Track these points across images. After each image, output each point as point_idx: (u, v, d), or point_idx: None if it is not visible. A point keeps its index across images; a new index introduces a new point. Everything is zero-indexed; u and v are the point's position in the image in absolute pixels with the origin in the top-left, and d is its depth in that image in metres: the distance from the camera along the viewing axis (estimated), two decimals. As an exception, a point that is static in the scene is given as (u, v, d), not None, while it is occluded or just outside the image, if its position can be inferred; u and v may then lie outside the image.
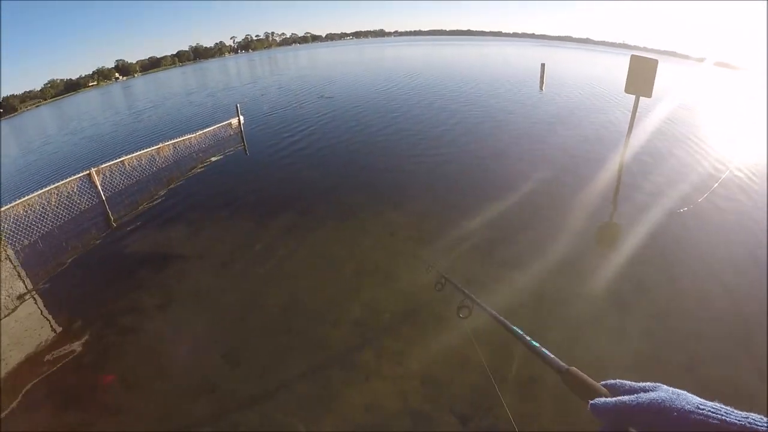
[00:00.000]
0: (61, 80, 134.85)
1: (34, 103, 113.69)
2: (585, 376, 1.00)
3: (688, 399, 0.67)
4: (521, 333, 1.49)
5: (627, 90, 11.04)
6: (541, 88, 26.05)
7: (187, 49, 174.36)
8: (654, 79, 10.39)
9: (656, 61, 10.42)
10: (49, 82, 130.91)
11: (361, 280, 7.19)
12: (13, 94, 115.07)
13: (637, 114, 11.30)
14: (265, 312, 6.74)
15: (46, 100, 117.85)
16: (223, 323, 6.63)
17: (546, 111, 19.50)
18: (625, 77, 11.04)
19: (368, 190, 11.07)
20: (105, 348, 6.47)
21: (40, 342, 6.81)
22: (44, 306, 7.98)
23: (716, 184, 10.11)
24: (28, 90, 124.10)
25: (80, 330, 6.95)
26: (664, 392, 0.71)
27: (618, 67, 32.09)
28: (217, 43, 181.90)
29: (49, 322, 7.45)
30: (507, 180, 10.99)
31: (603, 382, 0.89)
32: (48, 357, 6.39)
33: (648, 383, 0.77)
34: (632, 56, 11.00)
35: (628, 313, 5.97)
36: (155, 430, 4.90)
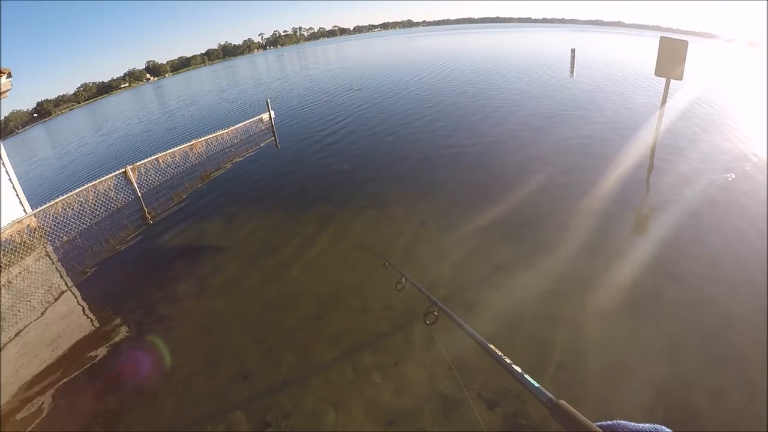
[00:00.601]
0: (94, 83, 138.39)
1: (68, 106, 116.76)
2: (575, 411, 0.93)
3: None
4: (499, 353, 1.38)
5: (657, 73, 10.57)
6: (571, 74, 25.49)
7: (216, 47, 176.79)
8: (684, 60, 9.92)
9: (686, 42, 9.94)
10: (82, 85, 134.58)
11: (390, 270, 7.09)
12: (47, 99, 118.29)
13: (668, 96, 10.85)
14: (298, 300, 6.74)
15: (79, 103, 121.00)
16: (257, 311, 6.66)
17: (576, 96, 19.03)
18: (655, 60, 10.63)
19: (400, 182, 10.94)
20: (144, 335, 6.60)
21: (80, 332, 6.95)
22: (83, 298, 8.13)
23: (748, 166, 9.73)
24: (62, 94, 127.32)
25: (119, 320, 7.08)
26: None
27: (649, 50, 31.40)
28: (245, 41, 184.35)
29: (88, 314, 7.61)
30: (534, 167, 10.71)
31: (599, 423, 0.82)
32: (88, 346, 6.53)
33: (647, 425, 0.72)
34: (661, 38, 10.52)
35: (658, 307, 5.69)
36: (190, 415, 4.96)
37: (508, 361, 1.28)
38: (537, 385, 1.12)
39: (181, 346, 6.21)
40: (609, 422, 0.79)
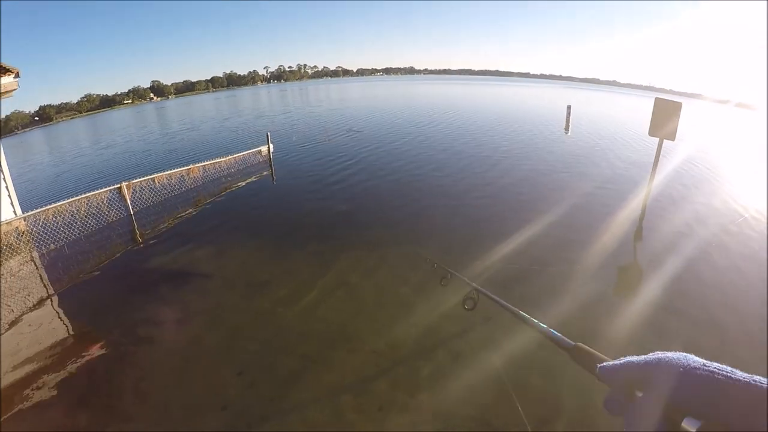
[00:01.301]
0: (98, 95, 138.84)
1: (69, 114, 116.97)
2: (592, 349, 1.02)
3: (694, 359, 0.68)
4: (527, 316, 1.52)
5: (651, 133, 10.90)
6: (566, 130, 26.22)
7: (221, 75, 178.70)
8: (678, 122, 10.26)
9: (680, 104, 10.30)
10: (86, 96, 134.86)
11: (380, 311, 7.14)
12: (50, 104, 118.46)
13: (660, 156, 11.17)
14: (283, 336, 6.70)
15: (81, 113, 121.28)
16: (240, 343, 6.60)
17: (570, 153, 19.57)
18: (649, 120, 10.99)
19: (393, 225, 11.03)
20: (121, 356, 6.51)
21: (56, 344, 6.86)
22: (63, 310, 8.06)
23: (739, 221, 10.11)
24: (65, 102, 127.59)
25: (97, 336, 7.00)
26: (671, 354, 0.71)
27: (642, 110, 32.06)
28: (250, 72, 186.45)
29: (67, 326, 7.52)
30: (523, 219, 10.89)
31: (615, 360, 0.85)
32: (63, 359, 6.44)
33: (658, 351, 0.75)
34: (656, 99, 10.87)
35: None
36: None
37: (536, 320, 1.46)
38: (559, 334, 1.26)
39: (160, 370, 6.14)
40: (622, 358, 0.83)
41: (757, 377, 0.60)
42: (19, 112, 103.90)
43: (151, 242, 10.90)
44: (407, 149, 20.97)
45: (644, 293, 7.57)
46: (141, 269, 9.55)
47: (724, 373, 0.62)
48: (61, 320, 7.74)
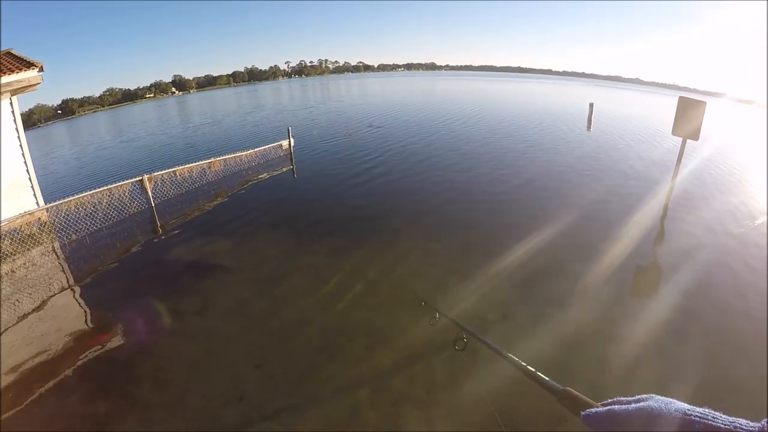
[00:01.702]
0: (120, 89, 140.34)
1: (92, 108, 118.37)
2: (580, 394, 1.05)
3: (677, 406, 0.70)
4: (516, 359, 1.57)
5: (674, 132, 10.65)
6: (588, 128, 25.86)
7: (242, 70, 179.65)
8: (702, 121, 10.00)
9: (705, 104, 10.04)
10: (108, 90, 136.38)
11: (398, 307, 7.07)
12: (72, 98, 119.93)
13: (683, 156, 10.87)
14: (301, 329, 6.68)
15: (104, 106, 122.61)
16: (259, 336, 6.60)
17: (592, 150, 19.33)
18: (672, 119, 10.70)
19: (413, 221, 10.95)
20: (141, 345, 6.54)
21: (77, 332, 6.93)
22: (84, 299, 8.13)
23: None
24: (87, 95, 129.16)
25: (117, 326, 7.05)
26: (654, 401, 0.73)
27: (665, 108, 31.55)
28: (271, 67, 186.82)
29: (87, 315, 7.60)
30: (544, 217, 10.74)
31: (602, 403, 0.90)
32: (84, 347, 6.49)
33: (642, 395, 0.79)
34: (680, 98, 10.63)
35: (667, 362, 5.65)
36: (180, 429, 4.91)
37: (524, 363, 1.49)
38: (548, 379, 1.28)
39: (179, 360, 6.16)
40: (608, 400, 0.86)
41: (739, 421, 0.62)
42: (42, 105, 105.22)
43: (172, 234, 10.95)
44: (428, 146, 20.82)
45: (663, 295, 7.40)
46: (161, 260, 9.60)
47: (705, 420, 0.64)
48: (82, 309, 7.81)
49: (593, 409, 0.86)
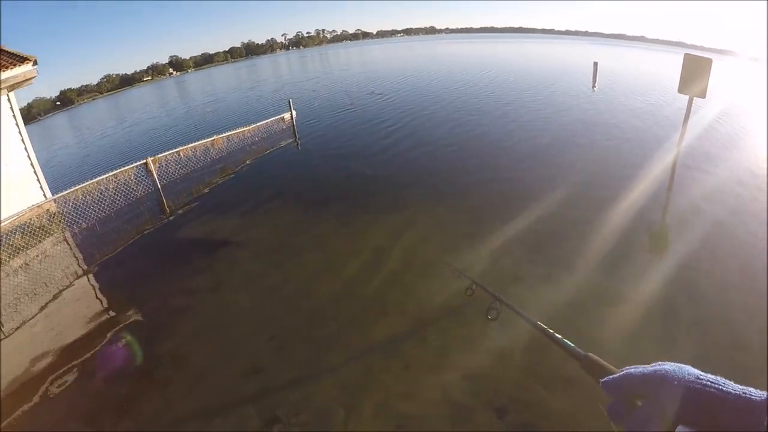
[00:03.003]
0: (117, 75, 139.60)
1: (90, 96, 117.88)
2: (601, 360, 1.06)
3: (690, 371, 0.71)
4: (543, 326, 1.56)
5: (680, 90, 10.37)
6: (593, 87, 25.38)
7: (239, 45, 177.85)
8: (708, 78, 9.73)
9: (711, 60, 9.75)
10: (105, 76, 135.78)
11: (407, 273, 7.09)
12: (70, 88, 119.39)
13: (690, 114, 10.61)
14: (313, 299, 6.74)
15: (102, 93, 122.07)
16: (271, 308, 6.67)
17: (595, 111, 18.97)
18: (678, 76, 10.43)
19: (419, 186, 10.92)
20: (158, 325, 6.64)
21: (94, 317, 7.02)
22: (98, 285, 8.22)
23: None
24: (85, 84, 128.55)
25: (133, 308, 7.13)
26: (668, 365, 0.75)
27: (671, 65, 30.98)
28: (268, 40, 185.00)
29: (102, 300, 7.69)
30: (550, 179, 10.69)
31: (621, 369, 0.88)
32: (102, 331, 6.59)
33: (657, 362, 0.80)
34: (685, 55, 10.32)
35: (675, 320, 5.65)
36: (200, 405, 4.98)
37: (551, 331, 1.46)
38: (572, 345, 1.28)
39: (195, 337, 6.24)
40: (627, 367, 0.85)
41: (749, 389, 0.63)
42: (41, 98, 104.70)
43: (180, 214, 11.00)
44: (432, 112, 20.54)
45: (674, 255, 7.31)
46: (171, 241, 9.67)
47: (717, 385, 0.66)
48: (97, 295, 7.92)
49: (611, 376, 0.86)
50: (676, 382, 0.70)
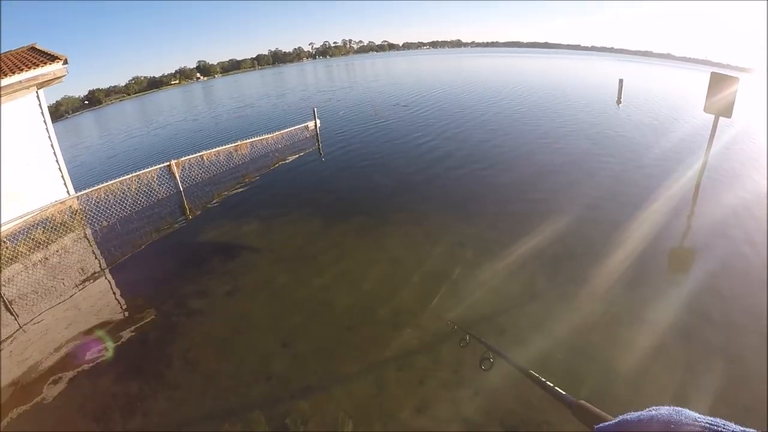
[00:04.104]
0: (145, 77, 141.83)
1: (118, 97, 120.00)
2: (593, 407, 1.06)
3: (687, 414, 0.70)
4: (536, 375, 1.58)
5: (706, 109, 10.23)
6: (618, 103, 25.22)
7: (266, 53, 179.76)
8: (735, 98, 9.55)
9: (737, 79, 9.59)
10: (134, 78, 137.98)
11: (425, 287, 6.99)
12: (99, 88, 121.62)
13: (715, 133, 10.38)
14: (329, 309, 6.69)
15: (129, 95, 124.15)
16: (287, 315, 6.63)
17: (620, 126, 18.74)
18: (705, 95, 10.23)
19: (440, 200, 10.83)
20: (172, 326, 6.65)
21: (110, 315, 7.07)
22: (116, 283, 8.28)
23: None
24: (113, 85, 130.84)
25: (149, 308, 7.15)
26: (664, 410, 0.73)
27: (698, 84, 30.66)
28: (295, 48, 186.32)
29: (119, 299, 7.73)
30: (572, 194, 10.52)
31: (617, 417, 0.87)
32: (117, 329, 6.63)
33: (653, 407, 0.77)
34: (712, 73, 10.18)
35: (693, 347, 5.48)
36: (209, 409, 4.97)
37: (543, 379, 1.50)
38: (563, 392, 1.29)
39: (209, 340, 6.24)
40: (623, 415, 0.84)
41: (749, 430, 0.61)
42: (69, 97, 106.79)
43: (201, 217, 11.07)
44: (456, 125, 20.40)
45: (694, 277, 7.14)
46: (191, 243, 9.71)
47: (716, 427, 0.63)
48: (114, 293, 7.97)
49: (605, 423, 0.86)
50: (673, 426, 0.68)
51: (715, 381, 4.88)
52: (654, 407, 0.77)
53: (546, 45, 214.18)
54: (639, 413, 0.78)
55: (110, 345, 6.22)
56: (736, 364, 5.15)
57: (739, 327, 5.78)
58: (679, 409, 0.72)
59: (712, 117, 10.36)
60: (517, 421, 4.49)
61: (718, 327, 5.80)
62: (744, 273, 7.09)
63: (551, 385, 1.42)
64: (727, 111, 9.79)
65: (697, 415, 0.68)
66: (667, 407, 0.74)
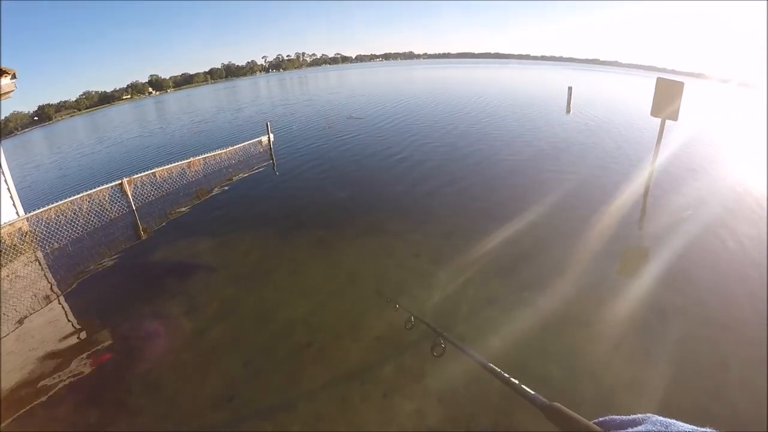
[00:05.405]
0: (96, 92, 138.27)
1: (69, 113, 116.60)
2: (568, 410, 0.98)
3: (677, 427, 0.67)
4: (498, 370, 1.52)
5: (653, 113, 10.76)
6: (567, 111, 26.22)
7: (219, 66, 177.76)
8: (680, 101, 10.13)
9: (682, 84, 10.16)
10: (84, 93, 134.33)
11: (382, 299, 7.06)
12: (48, 104, 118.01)
13: (662, 136, 11.00)
14: (288, 325, 6.71)
15: (80, 110, 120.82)
16: (246, 333, 6.63)
17: (570, 133, 19.52)
18: (651, 100, 10.82)
19: (395, 211, 11.00)
20: (130, 350, 6.56)
21: (64, 341, 6.92)
22: (70, 308, 8.09)
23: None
24: (63, 100, 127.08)
25: (105, 332, 7.06)
26: (652, 424, 0.70)
27: (644, 89, 31.96)
28: (248, 62, 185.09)
29: (74, 323, 7.56)
30: (526, 200, 10.89)
31: (594, 420, 0.86)
32: (72, 356, 6.49)
33: (639, 415, 0.76)
34: (658, 79, 10.74)
35: (651, 340, 5.79)
36: None
37: (507, 375, 1.43)
38: (533, 393, 1.21)
39: (167, 363, 6.17)
40: (602, 418, 0.83)
41: None
42: (18, 113, 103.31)
43: (154, 237, 10.92)
44: (409, 134, 20.87)
45: (647, 274, 7.50)
46: (145, 264, 9.58)
47: None
48: (68, 318, 7.78)
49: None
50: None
51: (670, 370, 5.20)
52: (641, 416, 0.75)
53: (497, 55, 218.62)
54: (622, 424, 0.77)
55: (66, 372, 6.14)
56: (691, 354, 5.47)
57: (692, 317, 6.12)
58: (669, 421, 0.70)
59: (659, 121, 10.93)
60: (486, 426, 4.63)
61: (672, 319, 6.19)
62: (695, 267, 7.57)
63: (517, 383, 1.36)
64: (673, 114, 10.33)
65: (689, 428, 0.66)
66: (657, 418, 0.72)
